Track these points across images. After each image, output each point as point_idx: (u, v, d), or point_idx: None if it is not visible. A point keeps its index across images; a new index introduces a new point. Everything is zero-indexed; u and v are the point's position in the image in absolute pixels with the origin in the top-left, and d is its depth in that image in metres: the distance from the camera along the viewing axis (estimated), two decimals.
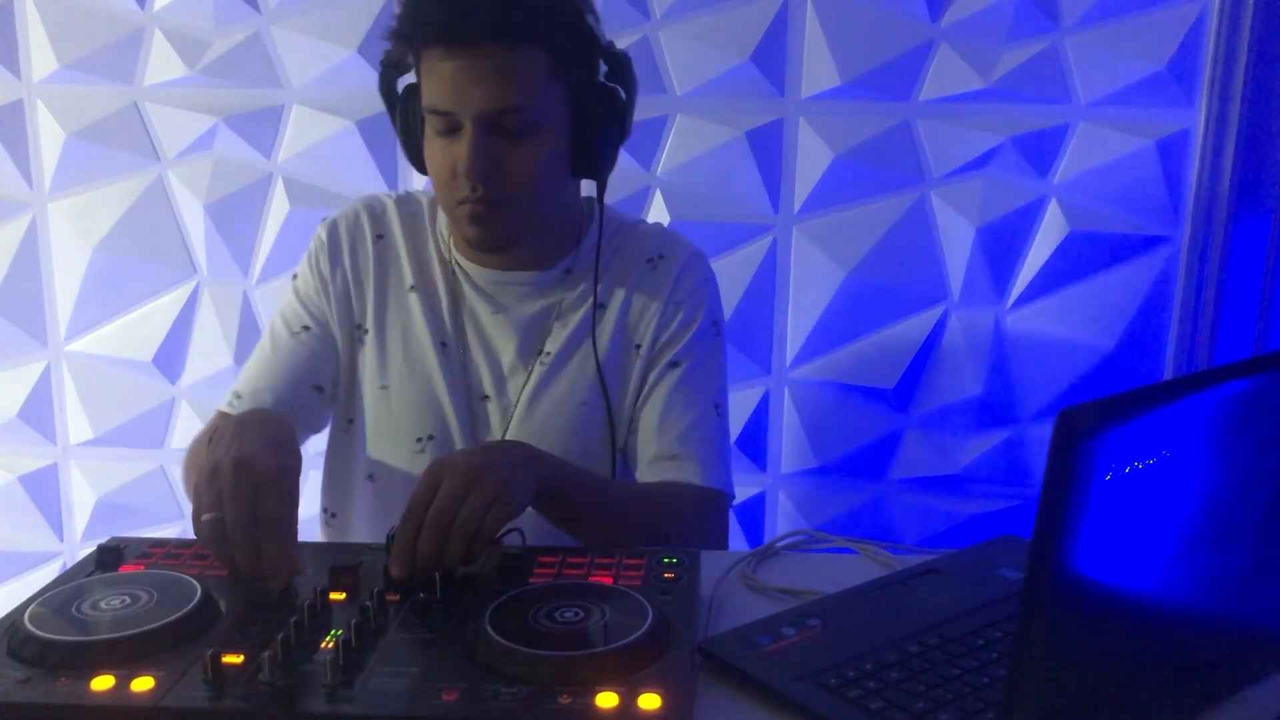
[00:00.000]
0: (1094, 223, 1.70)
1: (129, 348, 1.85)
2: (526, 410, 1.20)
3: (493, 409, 1.21)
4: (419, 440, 1.21)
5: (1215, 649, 0.81)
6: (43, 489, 1.91)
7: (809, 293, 1.77)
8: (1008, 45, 1.66)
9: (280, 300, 1.28)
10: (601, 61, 1.16)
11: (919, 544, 1.31)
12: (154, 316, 1.84)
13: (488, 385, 1.21)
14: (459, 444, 1.21)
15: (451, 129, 1.09)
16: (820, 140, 1.71)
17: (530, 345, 1.21)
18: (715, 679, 0.85)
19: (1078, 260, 1.72)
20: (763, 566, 1.08)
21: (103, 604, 0.87)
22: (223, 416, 1.21)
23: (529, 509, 1.00)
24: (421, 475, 0.94)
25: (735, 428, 1.81)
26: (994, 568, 1.02)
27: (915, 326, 1.76)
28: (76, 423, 1.88)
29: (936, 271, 1.74)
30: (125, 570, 0.96)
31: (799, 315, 1.78)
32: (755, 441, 1.83)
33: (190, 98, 1.75)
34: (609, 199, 1.72)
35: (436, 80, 1.08)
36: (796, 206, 1.74)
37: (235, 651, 0.80)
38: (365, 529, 1.26)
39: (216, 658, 0.77)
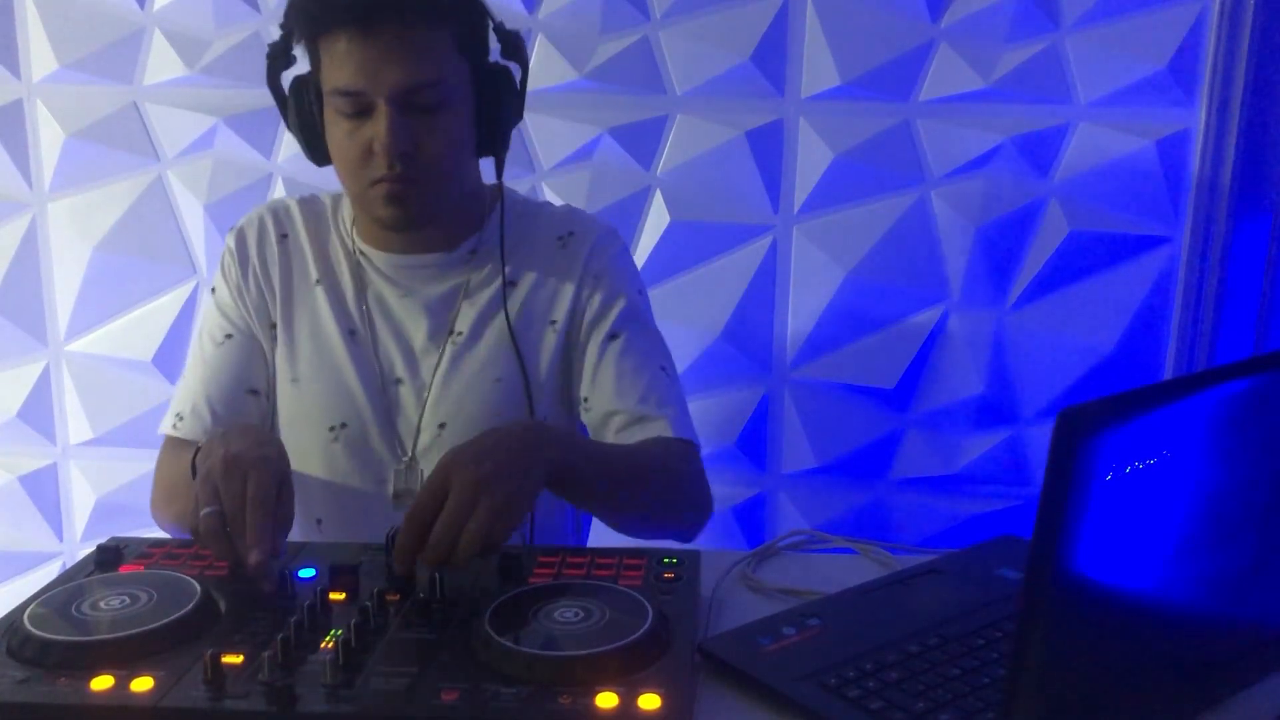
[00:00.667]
0: (1094, 222, 1.70)
1: (129, 348, 1.85)
2: (441, 390, 1.21)
3: (406, 391, 1.22)
4: (331, 429, 1.21)
5: (1215, 649, 0.81)
6: (42, 489, 1.91)
7: (809, 293, 1.77)
8: (1008, 45, 1.66)
9: (200, 317, 1.28)
10: (496, 40, 1.16)
11: (919, 544, 1.31)
12: (154, 316, 1.83)
13: (400, 369, 1.22)
14: (371, 430, 1.21)
15: (361, 111, 1.09)
16: (820, 140, 1.71)
17: (440, 325, 1.22)
18: (715, 679, 0.85)
19: (1078, 260, 1.71)
20: (763, 566, 1.08)
21: (102, 604, 0.87)
22: (169, 440, 1.23)
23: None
24: (430, 474, 0.92)
25: (735, 428, 1.81)
26: (994, 568, 1.02)
27: (915, 326, 1.76)
28: (76, 423, 1.88)
29: (937, 271, 1.74)
30: (125, 570, 0.96)
31: (799, 315, 1.78)
32: (755, 441, 1.83)
33: (190, 98, 1.75)
34: (607, 199, 1.74)
35: (344, 62, 1.08)
36: (796, 206, 1.74)
37: (235, 651, 0.81)
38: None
39: (216, 658, 0.77)
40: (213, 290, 1.27)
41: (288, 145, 1.76)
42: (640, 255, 1.75)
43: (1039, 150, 1.69)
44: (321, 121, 1.14)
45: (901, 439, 1.81)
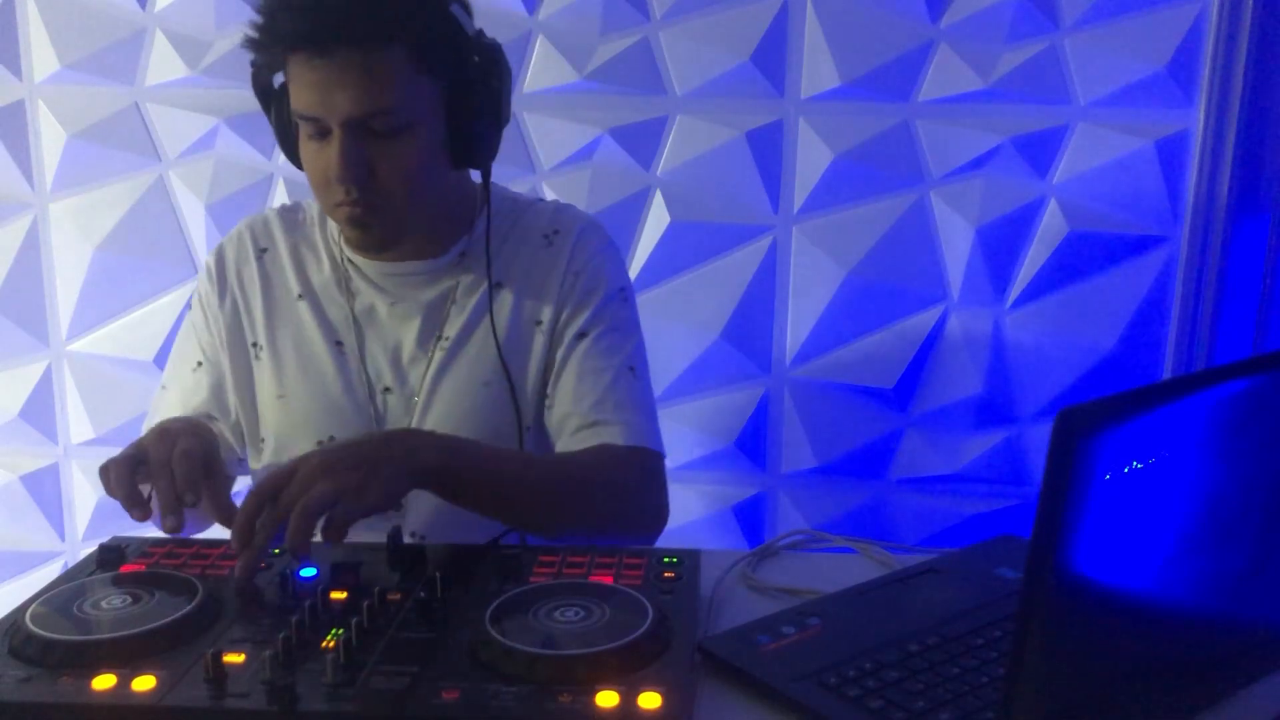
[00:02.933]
0: (1093, 223, 1.70)
1: (130, 348, 1.85)
2: (429, 396, 1.20)
3: (394, 400, 1.20)
4: (319, 443, 1.20)
5: (1214, 649, 0.81)
6: (44, 488, 1.91)
7: (809, 293, 1.77)
8: (1007, 46, 1.66)
9: (181, 329, 1.28)
10: (473, 51, 1.13)
11: (918, 543, 1.31)
12: (155, 316, 1.84)
13: (388, 377, 1.21)
14: None
15: (322, 133, 1.09)
16: (820, 141, 1.71)
17: (428, 331, 1.21)
18: (715, 678, 0.85)
19: (1077, 260, 1.72)
20: (763, 566, 1.08)
21: (104, 603, 0.87)
22: None
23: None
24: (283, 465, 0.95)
25: (735, 427, 1.81)
26: (993, 567, 1.02)
27: (915, 326, 1.77)
28: (78, 422, 1.89)
29: (936, 271, 1.75)
30: (126, 570, 0.96)
31: (799, 315, 1.78)
32: (755, 441, 1.83)
33: (191, 98, 1.75)
34: (607, 199, 1.74)
35: (302, 86, 1.07)
36: (796, 207, 1.74)
37: (236, 650, 0.81)
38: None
39: (218, 657, 0.78)
40: (189, 307, 1.27)
41: None
42: (640, 255, 1.76)
43: (1038, 151, 1.69)
44: (296, 133, 1.13)
45: (901, 439, 1.81)
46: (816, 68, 1.69)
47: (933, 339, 1.77)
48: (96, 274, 1.82)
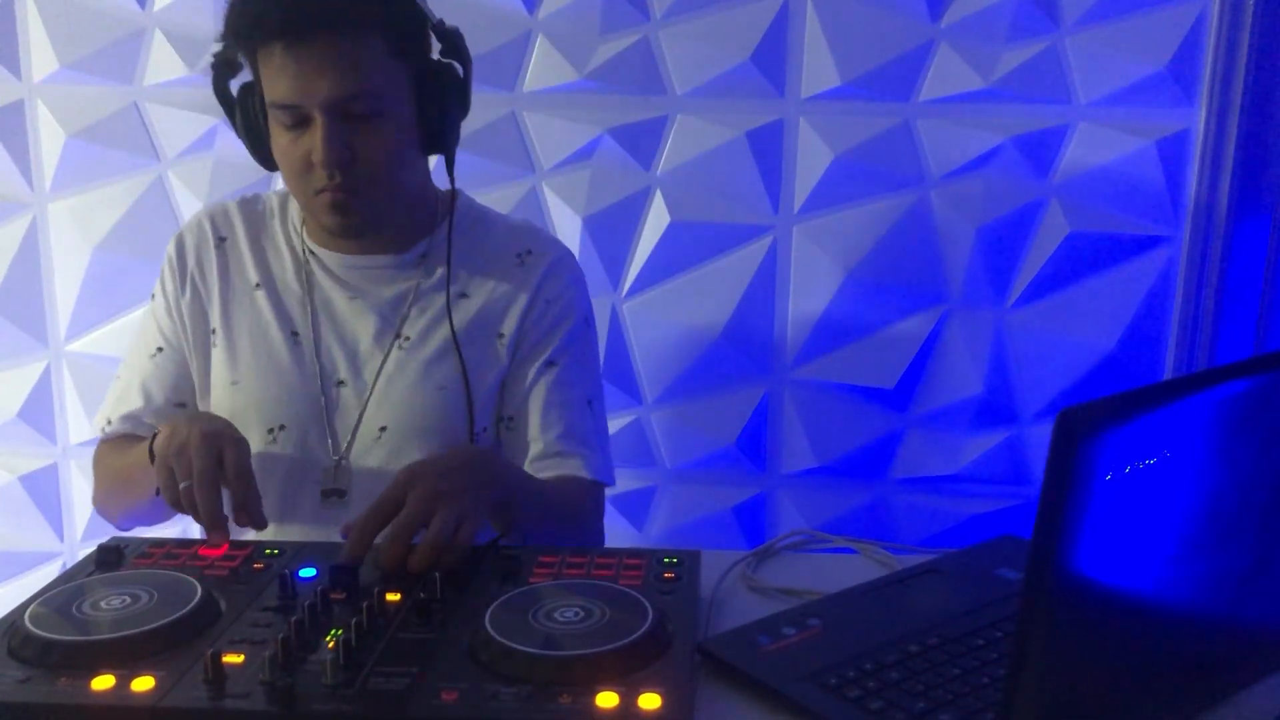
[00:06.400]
0: (1094, 223, 1.70)
1: None
2: (384, 393, 1.21)
3: (348, 393, 1.22)
4: (270, 431, 1.21)
5: (1215, 649, 0.81)
6: (43, 489, 1.91)
7: (809, 293, 1.77)
8: (1008, 45, 1.66)
9: (142, 317, 1.31)
10: (435, 39, 1.18)
11: (919, 544, 1.31)
12: None
13: (343, 370, 1.22)
14: (311, 431, 1.21)
15: (299, 122, 1.11)
16: (820, 140, 1.71)
17: (387, 329, 1.23)
18: (715, 679, 0.85)
19: (1078, 260, 1.71)
20: (763, 566, 1.08)
21: (103, 604, 0.87)
22: (102, 444, 1.28)
23: None
24: (393, 480, 0.98)
25: (735, 428, 1.81)
26: (994, 568, 1.02)
27: (915, 326, 1.76)
28: (76, 423, 1.88)
29: (937, 271, 1.74)
30: (125, 570, 0.96)
31: (799, 315, 1.78)
32: (755, 441, 1.83)
33: (190, 98, 1.75)
34: (607, 199, 1.74)
35: (279, 76, 1.09)
36: (796, 207, 1.74)
37: (236, 651, 0.81)
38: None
39: (217, 657, 0.78)
40: (152, 296, 1.29)
41: None
42: (640, 255, 1.76)
43: (1039, 150, 1.69)
44: (267, 129, 1.15)
45: (901, 439, 1.81)
46: (817, 67, 1.69)
47: (933, 339, 1.77)
48: (95, 274, 1.82)
